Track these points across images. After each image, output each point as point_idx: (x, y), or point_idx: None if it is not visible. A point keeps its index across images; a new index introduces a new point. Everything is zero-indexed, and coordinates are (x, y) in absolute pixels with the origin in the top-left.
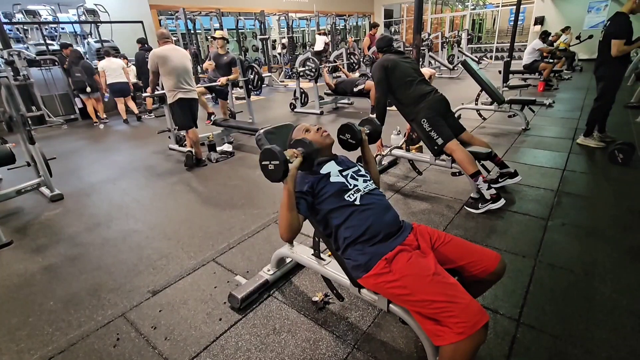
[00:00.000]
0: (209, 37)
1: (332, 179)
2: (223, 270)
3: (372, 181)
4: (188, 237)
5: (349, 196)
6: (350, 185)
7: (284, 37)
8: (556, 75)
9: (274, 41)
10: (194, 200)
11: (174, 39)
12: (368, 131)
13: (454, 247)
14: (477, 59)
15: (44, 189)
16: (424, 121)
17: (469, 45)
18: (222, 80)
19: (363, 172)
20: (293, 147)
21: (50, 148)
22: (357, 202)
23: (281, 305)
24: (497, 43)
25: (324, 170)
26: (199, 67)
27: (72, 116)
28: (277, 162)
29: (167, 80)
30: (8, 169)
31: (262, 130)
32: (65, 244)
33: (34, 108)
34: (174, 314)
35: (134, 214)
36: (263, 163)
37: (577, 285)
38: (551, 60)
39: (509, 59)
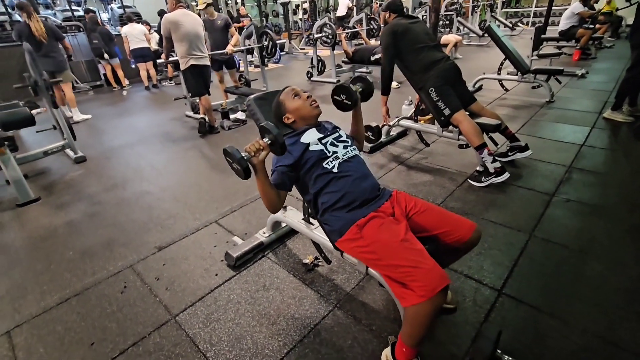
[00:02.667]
0: (228, 3)
1: (311, 148)
2: (224, 232)
3: (353, 147)
4: (195, 199)
5: (327, 164)
6: (329, 152)
7: (306, 2)
8: (595, 42)
9: (297, 6)
10: (204, 165)
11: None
12: (361, 89)
13: (429, 216)
14: (511, 25)
15: (69, 152)
16: (431, 90)
17: (503, 10)
18: (229, 48)
19: (344, 137)
20: (260, 133)
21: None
22: (335, 170)
23: (273, 265)
24: (536, 7)
25: (304, 139)
26: None
27: (98, 82)
28: (238, 167)
29: (180, 46)
30: (37, 132)
31: (252, 97)
32: (85, 202)
33: None
34: (176, 268)
35: (148, 177)
36: (227, 159)
37: (568, 260)
38: (591, 26)
39: (541, 24)
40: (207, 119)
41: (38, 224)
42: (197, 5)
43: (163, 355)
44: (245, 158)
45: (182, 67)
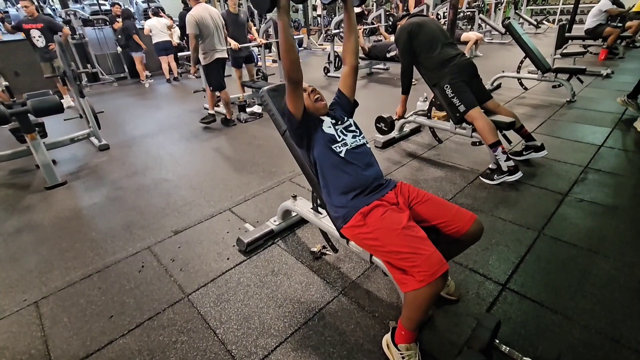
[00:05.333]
0: None
1: (324, 129)
2: (236, 219)
3: (361, 137)
4: (210, 188)
5: (335, 147)
6: (339, 138)
7: None
8: (624, 41)
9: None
10: (220, 156)
11: None
12: None
13: (430, 206)
14: (535, 23)
15: (93, 139)
16: (446, 87)
17: (528, 7)
18: (260, 40)
19: (353, 127)
20: None
21: (102, 103)
22: (342, 155)
23: (282, 252)
24: (563, 5)
25: (320, 117)
26: None
27: (122, 74)
28: None
29: (205, 40)
30: (64, 120)
31: (265, 88)
32: (108, 187)
33: (89, 66)
34: (190, 251)
35: (167, 166)
36: None
37: (576, 259)
38: (619, 25)
39: (565, 22)
40: (213, 112)
41: (64, 206)
42: None
43: (176, 330)
44: None
45: (207, 61)
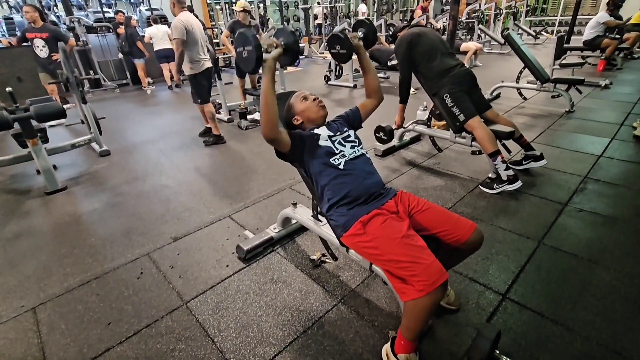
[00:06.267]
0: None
1: (320, 142)
2: (236, 226)
3: (360, 147)
4: (210, 194)
5: (334, 160)
6: (337, 150)
7: (326, 6)
8: (622, 53)
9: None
10: (221, 162)
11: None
12: (362, 35)
13: (430, 215)
14: (534, 34)
15: (94, 145)
16: (446, 96)
17: (527, 18)
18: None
19: (353, 138)
20: (276, 35)
21: (104, 110)
22: (341, 167)
23: (282, 259)
24: (562, 16)
25: (316, 131)
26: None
27: (124, 81)
28: (250, 48)
29: (193, 49)
30: (66, 126)
31: None
32: (108, 192)
33: (91, 72)
34: (189, 258)
35: (167, 172)
36: (238, 50)
37: (576, 269)
38: (617, 36)
39: (564, 33)
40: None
41: (64, 211)
42: (235, 12)
43: (174, 337)
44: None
45: (196, 71)
